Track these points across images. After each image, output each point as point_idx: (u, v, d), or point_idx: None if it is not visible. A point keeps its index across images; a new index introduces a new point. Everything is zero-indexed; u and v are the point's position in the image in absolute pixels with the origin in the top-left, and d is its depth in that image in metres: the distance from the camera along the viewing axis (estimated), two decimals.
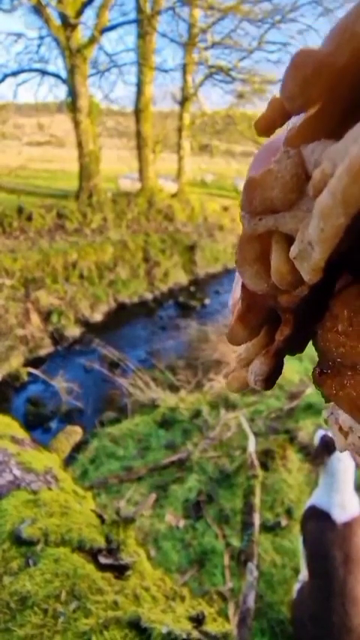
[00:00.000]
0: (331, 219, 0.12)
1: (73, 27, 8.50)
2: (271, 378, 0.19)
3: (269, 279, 0.17)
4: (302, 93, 0.13)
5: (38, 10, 8.51)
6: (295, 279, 0.16)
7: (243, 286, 0.19)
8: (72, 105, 9.12)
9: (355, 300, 0.15)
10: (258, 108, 12.09)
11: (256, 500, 1.09)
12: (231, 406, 3.84)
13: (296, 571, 2.04)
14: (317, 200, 0.13)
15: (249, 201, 0.15)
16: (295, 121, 0.14)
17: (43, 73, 10.05)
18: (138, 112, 10.11)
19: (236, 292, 0.21)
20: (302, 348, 0.20)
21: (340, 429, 0.18)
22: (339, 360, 0.16)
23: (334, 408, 0.19)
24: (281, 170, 0.14)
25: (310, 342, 0.20)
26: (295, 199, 0.14)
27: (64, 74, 9.30)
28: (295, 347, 0.19)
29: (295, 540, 2.19)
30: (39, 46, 9.69)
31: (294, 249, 0.14)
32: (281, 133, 0.18)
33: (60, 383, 5.11)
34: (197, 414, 3.73)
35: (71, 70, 8.83)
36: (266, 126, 0.16)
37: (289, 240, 0.16)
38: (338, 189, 0.12)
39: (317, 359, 0.19)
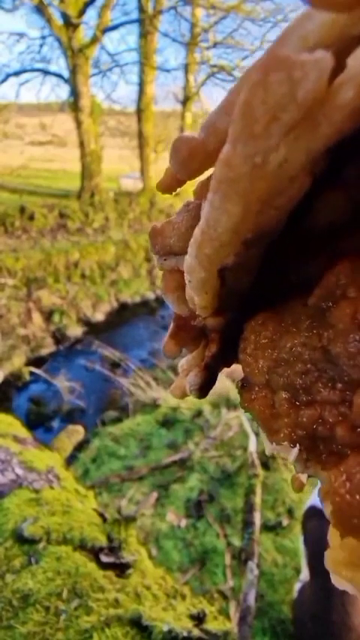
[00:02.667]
0: (194, 275, 0.15)
1: (75, 27, 8.50)
2: (203, 389, 0.21)
3: (189, 305, 0.19)
4: (183, 167, 0.16)
5: (40, 9, 8.52)
6: (207, 309, 0.18)
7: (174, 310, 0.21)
8: (74, 104, 9.13)
9: (259, 327, 0.17)
10: None
11: (257, 500, 1.09)
12: (232, 406, 3.85)
13: (297, 570, 2.04)
14: (185, 259, 0.15)
15: (153, 245, 0.18)
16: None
17: (45, 72, 10.06)
18: (140, 112, 10.10)
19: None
20: (231, 363, 0.22)
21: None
22: (249, 377, 0.18)
23: None
24: (178, 222, 0.17)
25: None
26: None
27: (66, 74, 9.31)
28: (227, 361, 0.21)
29: (297, 540, 2.19)
30: (41, 45, 9.70)
31: (187, 287, 0.17)
32: None
33: (62, 382, 5.12)
34: (198, 413, 3.73)
35: (73, 70, 8.83)
36: (166, 188, 0.19)
37: None
38: (192, 255, 0.14)
39: None
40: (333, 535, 0.16)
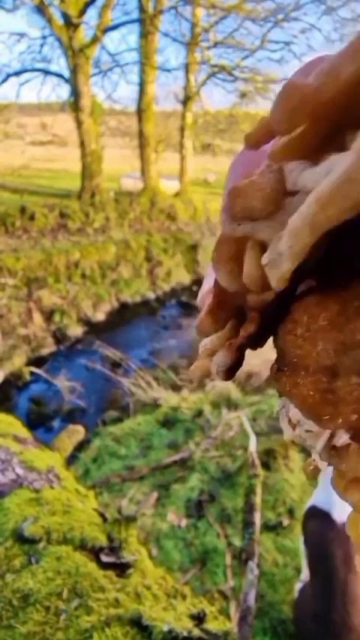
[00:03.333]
0: (299, 239, 0.14)
1: (76, 26, 8.51)
2: (232, 370, 0.21)
3: (240, 280, 0.18)
4: (288, 119, 0.14)
5: (41, 9, 8.53)
6: (263, 283, 0.17)
7: (216, 283, 0.20)
8: (74, 104, 9.13)
9: (314, 308, 0.17)
10: (261, 107, 12.07)
11: (257, 500, 1.09)
12: (233, 406, 3.85)
13: (298, 570, 2.04)
14: (290, 220, 0.14)
15: (231, 206, 0.16)
16: (280, 140, 0.16)
17: (46, 72, 10.07)
18: (140, 112, 10.11)
19: (205, 287, 0.22)
20: (262, 344, 0.21)
21: (290, 421, 0.19)
22: (295, 360, 0.17)
23: (286, 402, 0.20)
24: (263, 183, 0.15)
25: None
26: (272, 211, 0.16)
27: (66, 74, 9.32)
28: (256, 343, 0.21)
29: (297, 540, 2.19)
30: (42, 45, 9.71)
31: (265, 257, 0.16)
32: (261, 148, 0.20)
33: (62, 382, 5.12)
34: (199, 413, 3.73)
35: (74, 70, 8.83)
36: (255, 141, 0.18)
37: (262, 247, 0.17)
38: (307, 215, 0.13)
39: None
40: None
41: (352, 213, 0.13)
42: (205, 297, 0.22)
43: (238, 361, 0.20)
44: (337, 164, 0.13)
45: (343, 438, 0.16)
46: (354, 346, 0.15)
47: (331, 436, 0.17)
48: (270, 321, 0.20)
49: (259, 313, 0.19)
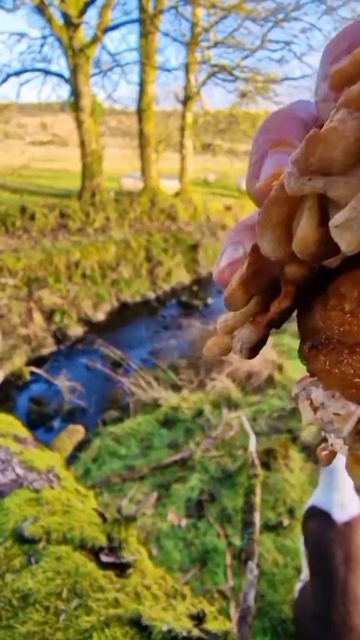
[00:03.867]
0: None
1: (76, 26, 8.51)
2: (257, 348, 0.20)
3: (288, 247, 0.17)
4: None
5: (41, 9, 8.52)
6: (318, 250, 0.16)
7: (255, 250, 0.18)
8: (75, 104, 9.13)
9: None
10: (261, 107, 12.06)
11: (257, 500, 1.09)
12: (233, 405, 3.85)
13: (298, 570, 2.05)
14: None
15: (307, 156, 0.14)
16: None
17: (46, 72, 10.06)
18: (140, 112, 10.10)
19: (223, 261, 0.21)
20: (282, 323, 0.20)
21: (311, 403, 0.19)
22: (337, 338, 0.16)
23: (308, 384, 0.19)
24: (346, 130, 0.13)
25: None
26: (352, 165, 0.14)
27: (66, 74, 9.31)
28: (283, 320, 0.20)
29: (297, 540, 2.19)
30: (42, 45, 9.71)
31: (340, 217, 0.14)
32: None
33: (62, 382, 5.12)
34: (199, 413, 3.73)
35: (74, 70, 8.83)
36: (342, 80, 0.14)
37: (323, 208, 0.15)
38: None
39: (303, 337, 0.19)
40: None
41: None
42: (224, 269, 0.20)
43: (264, 339, 0.19)
44: None
45: (350, 423, 0.16)
46: None
47: (359, 420, 0.16)
48: (303, 296, 0.19)
49: (295, 287, 0.18)
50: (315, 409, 0.18)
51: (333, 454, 0.22)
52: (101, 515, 0.99)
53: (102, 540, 0.89)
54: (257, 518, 1.11)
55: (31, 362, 5.87)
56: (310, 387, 0.19)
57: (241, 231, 0.21)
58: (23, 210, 8.38)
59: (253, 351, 0.20)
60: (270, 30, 9.64)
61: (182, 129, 11.00)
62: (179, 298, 8.43)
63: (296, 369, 4.34)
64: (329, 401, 0.17)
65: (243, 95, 11.77)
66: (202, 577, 2.11)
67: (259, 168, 0.18)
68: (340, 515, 1.58)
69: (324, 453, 0.22)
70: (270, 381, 4.34)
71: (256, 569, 0.90)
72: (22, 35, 9.64)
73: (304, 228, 0.16)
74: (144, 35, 9.43)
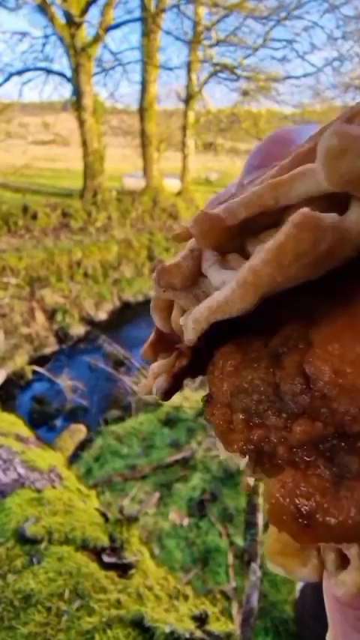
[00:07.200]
0: (197, 325, 0.19)
1: (78, 25, 8.50)
2: (169, 394, 0.25)
3: (171, 325, 0.24)
4: (202, 237, 0.20)
5: (43, 8, 8.52)
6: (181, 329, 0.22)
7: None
8: (77, 103, 9.13)
9: (227, 355, 0.21)
10: (263, 105, 12.04)
11: (260, 500, 1.09)
12: None
13: None
14: (193, 311, 0.19)
15: (158, 279, 0.21)
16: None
17: (48, 71, 10.07)
18: (142, 111, 10.10)
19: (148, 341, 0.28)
20: (201, 373, 0.25)
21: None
22: (212, 395, 0.22)
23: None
24: (184, 266, 0.21)
25: None
26: (189, 286, 0.21)
27: (68, 73, 9.32)
28: (194, 372, 0.25)
29: None
30: (44, 44, 9.71)
31: (182, 320, 0.21)
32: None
33: (65, 381, 5.13)
34: (201, 412, 3.73)
35: (76, 69, 8.83)
36: (182, 239, 0.24)
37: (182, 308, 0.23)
38: (202, 315, 0.19)
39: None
40: (271, 530, 0.22)
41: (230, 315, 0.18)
42: (146, 348, 0.28)
43: (175, 387, 0.25)
44: (227, 282, 0.18)
45: (244, 460, 0.20)
46: (242, 390, 0.19)
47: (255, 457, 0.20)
48: (202, 356, 0.24)
49: (190, 351, 0.24)
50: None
51: (249, 485, 0.26)
52: (103, 515, 0.99)
53: (104, 540, 0.89)
54: (260, 519, 1.10)
55: (33, 361, 5.88)
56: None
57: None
58: (25, 209, 8.38)
59: (166, 395, 0.25)
60: (272, 28, 9.62)
61: (184, 128, 10.98)
62: None
63: None
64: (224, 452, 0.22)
65: (245, 94, 11.74)
66: (203, 576, 2.11)
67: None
68: None
69: (244, 484, 0.27)
70: None
71: (259, 570, 0.90)
72: (24, 34, 9.65)
73: (173, 319, 0.24)
74: (146, 34, 9.42)
